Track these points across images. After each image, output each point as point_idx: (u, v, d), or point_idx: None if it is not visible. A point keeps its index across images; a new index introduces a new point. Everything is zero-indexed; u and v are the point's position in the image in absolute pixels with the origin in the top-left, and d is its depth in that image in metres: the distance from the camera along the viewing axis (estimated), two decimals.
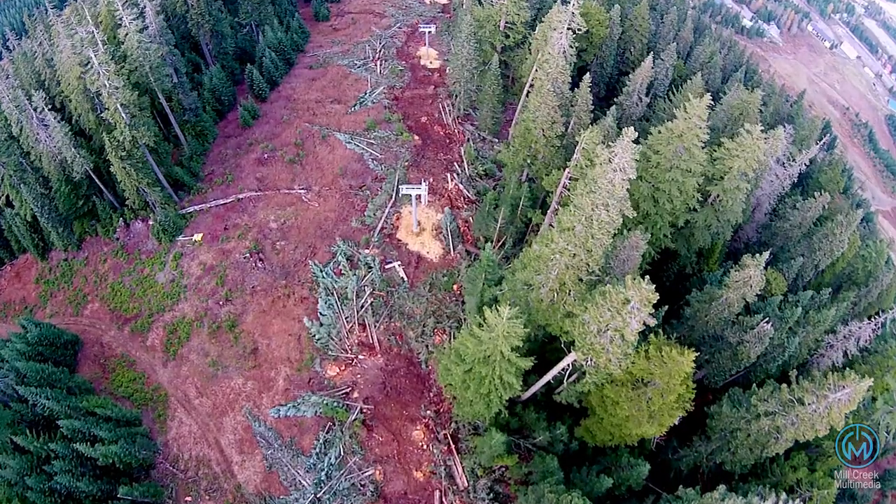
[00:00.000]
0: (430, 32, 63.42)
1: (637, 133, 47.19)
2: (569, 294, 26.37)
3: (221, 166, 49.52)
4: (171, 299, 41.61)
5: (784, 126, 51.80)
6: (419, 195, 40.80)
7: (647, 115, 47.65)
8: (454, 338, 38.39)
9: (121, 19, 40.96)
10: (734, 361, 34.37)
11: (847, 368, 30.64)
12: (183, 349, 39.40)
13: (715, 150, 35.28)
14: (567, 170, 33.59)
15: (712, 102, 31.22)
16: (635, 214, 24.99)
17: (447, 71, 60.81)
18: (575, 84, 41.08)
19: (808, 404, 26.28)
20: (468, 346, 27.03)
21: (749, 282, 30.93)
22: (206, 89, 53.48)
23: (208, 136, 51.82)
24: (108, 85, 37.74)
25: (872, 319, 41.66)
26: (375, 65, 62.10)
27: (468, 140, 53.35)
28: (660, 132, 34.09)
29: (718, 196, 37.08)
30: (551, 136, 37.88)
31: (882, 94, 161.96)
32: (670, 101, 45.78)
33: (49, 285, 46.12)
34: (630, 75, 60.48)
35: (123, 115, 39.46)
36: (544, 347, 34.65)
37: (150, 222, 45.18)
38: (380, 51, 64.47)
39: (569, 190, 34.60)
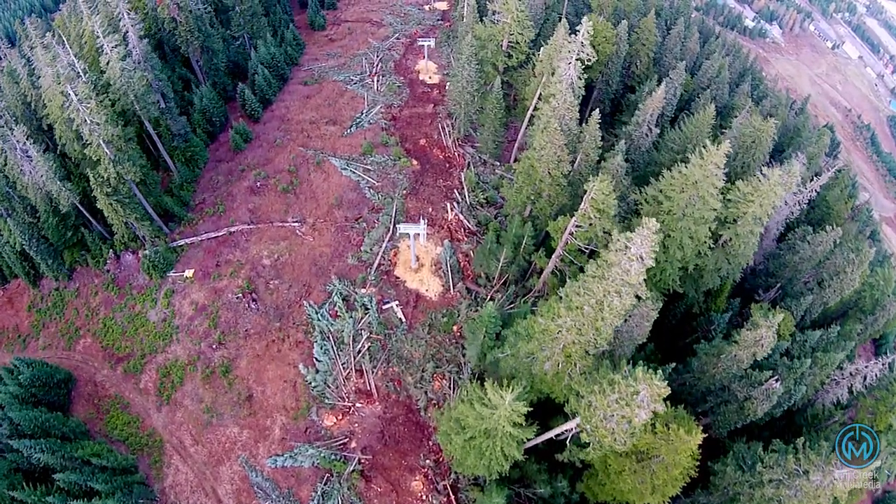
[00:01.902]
0: (429, 46, 60.96)
1: (645, 163, 45.78)
2: (574, 366, 25.28)
3: (213, 194, 47.78)
4: (163, 340, 40.42)
5: (797, 154, 50.29)
6: (418, 233, 39.34)
7: (657, 144, 45.91)
8: (454, 385, 37.45)
9: (101, 47, 38.83)
10: (740, 415, 33.60)
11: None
12: (177, 394, 38.36)
13: (728, 191, 33.74)
14: (574, 218, 32.17)
15: (730, 150, 29.70)
16: (650, 294, 23.70)
17: (447, 87, 58.71)
18: (582, 105, 38.85)
19: (813, 478, 25.59)
20: (469, 418, 26.05)
21: (760, 341, 29.91)
22: (196, 110, 51.42)
23: (199, 160, 49.94)
24: (88, 122, 35.86)
25: (881, 358, 40.96)
26: (372, 80, 59.82)
27: (469, 164, 51.60)
28: (673, 177, 32.59)
29: (731, 239, 35.84)
30: (557, 174, 36.33)
31: (884, 94, 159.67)
32: (681, 129, 43.96)
33: (41, 315, 44.99)
34: (637, 93, 58.86)
35: (107, 150, 37.67)
36: (548, 398, 33.78)
37: (141, 255, 43.71)
38: (377, 64, 62.08)
39: (575, 237, 33.31)
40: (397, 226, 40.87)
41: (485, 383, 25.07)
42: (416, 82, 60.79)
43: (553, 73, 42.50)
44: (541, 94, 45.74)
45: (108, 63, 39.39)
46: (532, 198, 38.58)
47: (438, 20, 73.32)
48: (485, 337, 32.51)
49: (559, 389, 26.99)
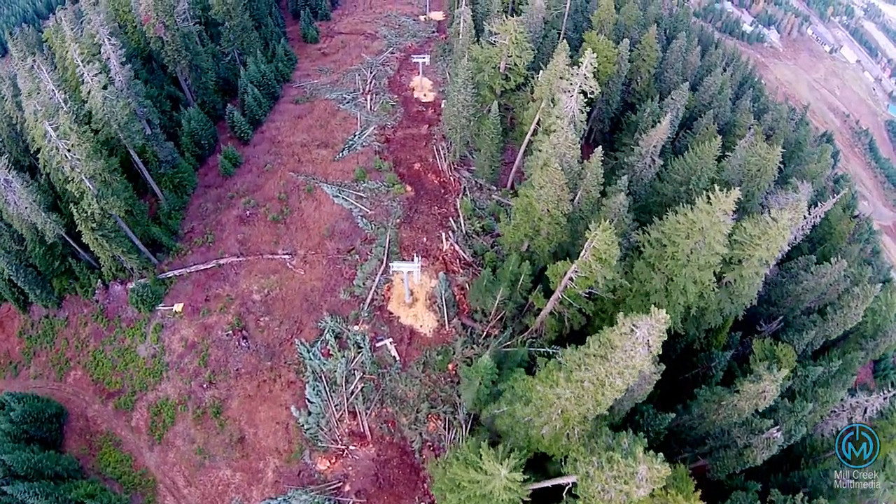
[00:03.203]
0: (424, 63, 59.42)
1: (647, 194, 44.62)
2: (573, 429, 24.53)
3: (201, 223, 46.51)
4: (153, 377, 39.45)
5: (802, 182, 49.39)
6: (411, 271, 38.35)
7: (660, 174, 44.80)
8: (449, 426, 36.70)
9: (82, 76, 37.37)
10: (739, 461, 33.03)
11: None
12: (168, 434, 37.49)
13: (735, 230, 32.69)
14: (574, 265, 31.26)
15: (740, 197, 28.80)
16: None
17: (442, 106, 57.36)
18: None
19: None
20: (464, 479, 25.31)
21: (763, 393, 29.24)
22: (184, 133, 49.95)
23: (187, 186, 48.54)
24: (69, 158, 34.55)
25: (882, 392, 40.50)
26: (365, 99, 58.33)
27: (465, 190, 50.44)
28: (678, 221, 31.53)
29: (735, 280, 35.00)
30: (556, 213, 35.29)
31: (882, 98, 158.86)
32: (685, 160, 42.83)
33: (32, 342, 44.02)
34: (638, 113, 57.63)
35: (90, 185, 36.39)
36: None
37: (129, 288, 42.59)
38: (370, 81, 60.54)
39: (574, 283, 32.41)
40: (391, 263, 39.76)
41: (480, 448, 24.34)
42: (411, 101, 59.32)
43: (553, 101, 41.29)
44: (539, 120, 44.55)
45: (89, 93, 37.96)
46: (530, 235, 37.60)
47: (433, 32, 71.59)
48: (481, 384, 31.72)
49: (556, 448, 26.26)
